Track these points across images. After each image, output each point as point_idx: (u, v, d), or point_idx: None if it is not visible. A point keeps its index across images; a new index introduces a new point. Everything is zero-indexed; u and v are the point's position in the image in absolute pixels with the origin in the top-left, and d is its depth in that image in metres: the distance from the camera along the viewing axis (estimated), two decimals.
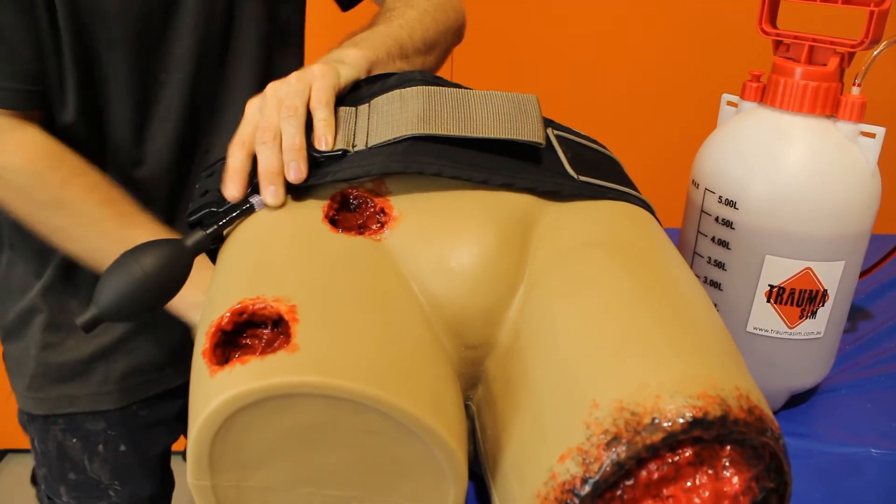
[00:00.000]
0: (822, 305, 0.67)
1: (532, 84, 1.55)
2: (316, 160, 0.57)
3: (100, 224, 0.75)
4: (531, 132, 0.59)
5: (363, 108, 0.62)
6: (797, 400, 0.75)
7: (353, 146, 0.57)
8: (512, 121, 0.60)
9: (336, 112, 0.62)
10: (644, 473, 0.44)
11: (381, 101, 0.61)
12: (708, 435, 0.43)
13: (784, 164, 0.65)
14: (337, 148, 0.57)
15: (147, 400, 0.91)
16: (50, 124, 0.76)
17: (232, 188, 0.56)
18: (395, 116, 0.59)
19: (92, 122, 0.78)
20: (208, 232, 0.55)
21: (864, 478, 0.68)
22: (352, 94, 0.64)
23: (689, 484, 0.44)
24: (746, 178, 0.66)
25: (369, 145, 0.57)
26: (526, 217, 0.57)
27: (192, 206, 0.59)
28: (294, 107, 0.57)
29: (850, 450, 0.68)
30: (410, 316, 0.51)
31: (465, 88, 0.64)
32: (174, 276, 0.54)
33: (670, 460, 0.44)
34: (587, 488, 0.43)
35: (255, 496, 0.47)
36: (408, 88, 0.61)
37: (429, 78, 0.64)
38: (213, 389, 0.43)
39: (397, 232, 0.55)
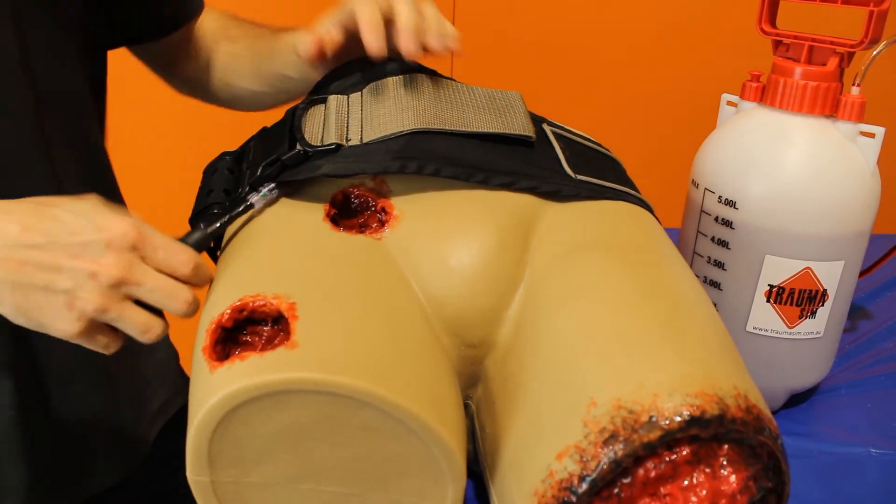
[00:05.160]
0: (822, 305, 0.67)
1: (532, 84, 1.54)
2: (306, 154, 0.56)
3: None
4: (521, 126, 0.59)
5: (355, 96, 0.61)
6: (797, 400, 0.74)
7: (347, 140, 0.57)
8: (501, 115, 0.60)
9: (326, 101, 0.61)
10: (641, 472, 0.44)
11: (374, 90, 0.60)
12: (705, 434, 0.43)
13: (784, 164, 0.65)
14: (329, 142, 0.56)
15: None
16: None
17: (376, 42, 0.58)
18: (390, 108, 0.58)
19: None
20: (208, 231, 0.54)
21: (863, 478, 0.68)
22: (343, 80, 0.63)
23: (686, 482, 0.44)
24: (746, 178, 0.66)
25: (364, 140, 0.56)
26: (526, 217, 0.57)
27: (196, 206, 0.59)
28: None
29: (850, 450, 0.68)
30: (410, 314, 0.51)
31: (452, 80, 0.64)
32: None
33: (668, 459, 0.44)
34: (584, 486, 0.43)
35: (255, 492, 0.47)
36: (403, 77, 0.61)
37: (424, 68, 0.64)
38: (212, 385, 0.44)
39: (398, 231, 0.55)
